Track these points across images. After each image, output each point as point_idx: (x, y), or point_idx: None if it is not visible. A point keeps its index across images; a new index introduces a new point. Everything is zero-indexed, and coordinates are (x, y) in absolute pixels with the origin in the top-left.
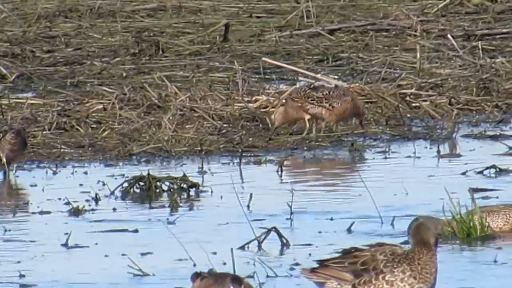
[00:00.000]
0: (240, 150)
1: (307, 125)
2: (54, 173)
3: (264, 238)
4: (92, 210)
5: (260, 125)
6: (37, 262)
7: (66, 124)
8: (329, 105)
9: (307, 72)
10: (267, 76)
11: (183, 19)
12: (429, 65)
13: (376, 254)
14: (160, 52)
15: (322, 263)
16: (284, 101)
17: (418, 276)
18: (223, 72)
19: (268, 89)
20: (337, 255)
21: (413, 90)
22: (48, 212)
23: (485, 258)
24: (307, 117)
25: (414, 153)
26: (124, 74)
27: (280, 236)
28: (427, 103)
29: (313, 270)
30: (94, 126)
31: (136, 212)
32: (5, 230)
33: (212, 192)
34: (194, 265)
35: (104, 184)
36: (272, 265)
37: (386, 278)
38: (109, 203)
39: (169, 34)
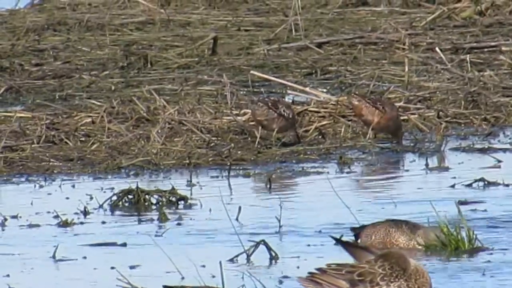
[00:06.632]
0: (228, 163)
1: (257, 134)
2: (42, 186)
3: (253, 251)
4: (81, 223)
5: (249, 138)
6: (26, 276)
7: (55, 137)
8: (382, 108)
9: (295, 85)
10: (255, 89)
11: (172, 32)
12: (418, 78)
13: (375, 267)
14: (149, 65)
15: (320, 269)
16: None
17: None
18: (212, 85)
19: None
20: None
21: (401, 103)
22: (37, 225)
23: (473, 271)
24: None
25: (403, 166)
26: (113, 88)
27: (269, 249)
28: (416, 116)
29: (311, 276)
30: (83, 139)
31: (125, 225)
32: None
33: (201, 205)
34: (182, 278)
35: (91, 198)
36: (261, 278)
37: None
38: (98, 216)
39: (158, 47)
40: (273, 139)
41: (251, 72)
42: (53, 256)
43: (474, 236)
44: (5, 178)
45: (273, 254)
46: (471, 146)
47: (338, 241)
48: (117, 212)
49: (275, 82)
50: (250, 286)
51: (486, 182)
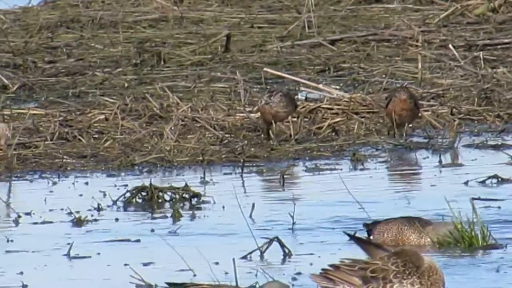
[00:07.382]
0: (242, 160)
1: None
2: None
3: (266, 248)
4: (95, 220)
5: (262, 135)
6: (39, 273)
7: (68, 134)
8: (417, 108)
9: (308, 82)
10: (268, 86)
11: (185, 29)
12: (431, 75)
13: (388, 264)
14: (162, 62)
15: (334, 265)
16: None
17: None
18: (225, 82)
19: None
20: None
21: None
22: (50, 222)
23: (487, 267)
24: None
25: (416, 163)
26: (126, 85)
27: (282, 246)
28: (429, 113)
29: (324, 272)
30: (96, 136)
31: (138, 222)
32: (8, 241)
33: (214, 202)
34: (195, 275)
35: (104, 195)
36: (274, 275)
37: (394, 287)
38: (111, 213)
39: (171, 45)
40: (287, 132)
41: (264, 69)
42: (68, 254)
43: (488, 233)
44: (18, 175)
45: (287, 251)
46: (485, 142)
47: (352, 238)
48: (131, 209)
49: (288, 79)
50: (263, 283)
51: (499, 179)
